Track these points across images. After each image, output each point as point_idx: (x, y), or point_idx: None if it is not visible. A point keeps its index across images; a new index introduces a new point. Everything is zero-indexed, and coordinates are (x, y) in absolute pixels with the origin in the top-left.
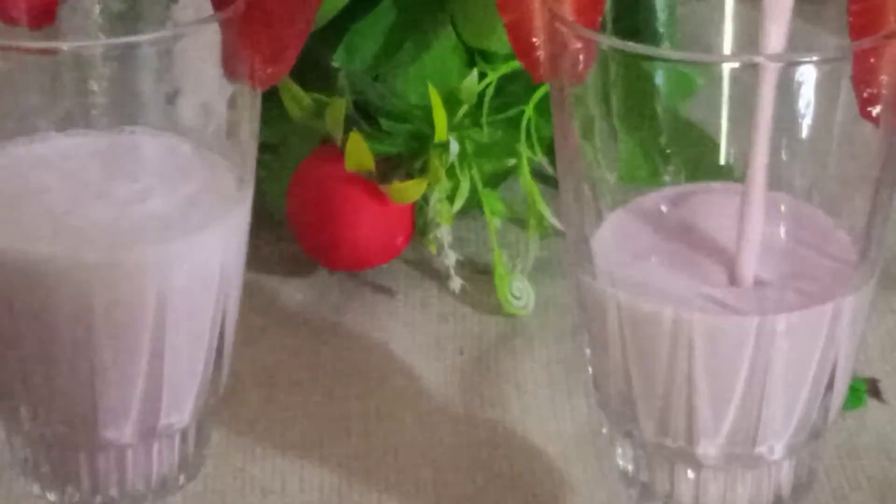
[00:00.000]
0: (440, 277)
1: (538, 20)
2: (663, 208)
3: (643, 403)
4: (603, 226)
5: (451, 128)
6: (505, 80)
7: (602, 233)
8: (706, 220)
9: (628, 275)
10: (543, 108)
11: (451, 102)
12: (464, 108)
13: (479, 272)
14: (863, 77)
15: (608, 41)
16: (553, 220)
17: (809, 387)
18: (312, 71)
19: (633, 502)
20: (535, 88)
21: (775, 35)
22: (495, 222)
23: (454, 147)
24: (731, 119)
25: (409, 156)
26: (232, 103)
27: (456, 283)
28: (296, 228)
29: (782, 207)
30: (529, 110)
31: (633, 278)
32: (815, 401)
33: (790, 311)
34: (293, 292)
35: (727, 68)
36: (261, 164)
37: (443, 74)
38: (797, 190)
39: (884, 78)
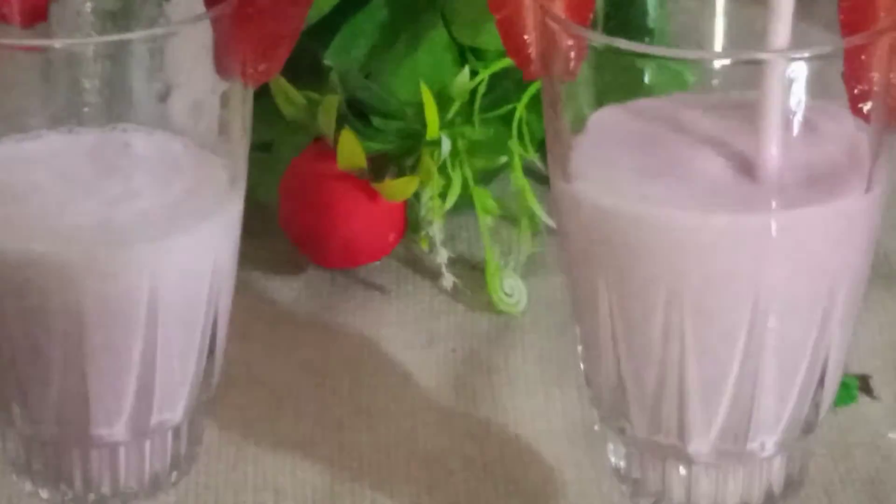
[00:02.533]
0: (432, 275)
1: (529, 17)
2: (645, 115)
3: (635, 396)
4: (583, 132)
5: (443, 125)
6: (496, 78)
7: (582, 138)
8: (688, 126)
9: (608, 179)
10: (535, 106)
11: (443, 100)
12: (455, 106)
13: (470, 269)
14: (853, 73)
15: (599, 38)
16: (545, 218)
17: (802, 378)
18: (304, 69)
19: (625, 499)
20: (526, 86)
21: (783, 32)
22: (487, 220)
23: (446, 144)
24: None
25: (401, 153)
26: (224, 101)
27: (448, 280)
28: (288, 226)
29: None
30: (521, 107)
31: (615, 182)
32: (807, 396)
33: (789, 208)
34: (285, 290)
35: (718, 65)
36: (253, 161)
37: (434, 72)
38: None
39: (874, 74)
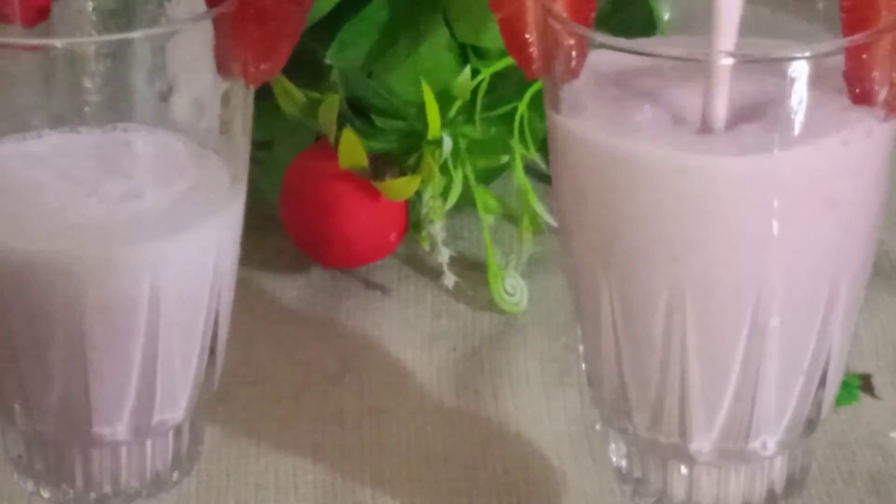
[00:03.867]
0: (434, 274)
1: (531, 16)
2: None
3: (636, 395)
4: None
5: (445, 124)
6: (498, 77)
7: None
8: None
9: (600, 114)
10: (536, 105)
11: (445, 99)
12: (457, 105)
13: (472, 268)
14: (855, 73)
15: (601, 37)
16: (546, 217)
17: (803, 377)
18: (306, 68)
19: (627, 498)
20: (528, 85)
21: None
22: (488, 219)
23: (447, 144)
24: None
25: (403, 152)
26: (225, 100)
27: (449, 279)
28: (289, 225)
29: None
30: (522, 107)
31: (606, 117)
32: (808, 395)
33: (782, 149)
34: (286, 289)
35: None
36: (254, 160)
37: (436, 71)
38: None
39: (876, 74)
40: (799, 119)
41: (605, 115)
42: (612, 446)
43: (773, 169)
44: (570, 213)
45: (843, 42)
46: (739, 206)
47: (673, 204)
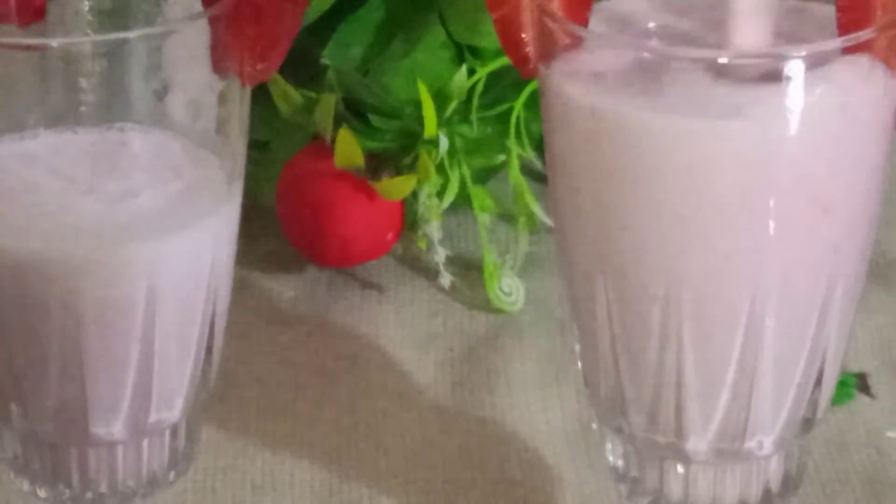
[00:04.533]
0: (430, 274)
1: (527, 16)
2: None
3: (632, 395)
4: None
5: (441, 124)
6: (494, 77)
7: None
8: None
9: (591, 74)
10: (533, 104)
11: (441, 99)
12: (453, 105)
13: (468, 268)
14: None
15: (598, 37)
16: (543, 216)
17: (799, 376)
18: (302, 67)
19: (623, 498)
20: (524, 84)
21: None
22: (485, 218)
23: (443, 143)
24: None
25: (399, 152)
26: (222, 100)
27: (445, 279)
28: (285, 225)
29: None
30: (519, 106)
31: (597, 78)
32: (804, 394)
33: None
34: (283, 289)
35: (719, 62)
36: (250, 160)
37: (432, 71)
38: None
39: None
40: (797, 88)
41: (601, 79)
42: (609, 446)
43: (769, 141)
44: (566, 207)
45: (839, 42)
46: (735, 185)
47: (666, 178)
